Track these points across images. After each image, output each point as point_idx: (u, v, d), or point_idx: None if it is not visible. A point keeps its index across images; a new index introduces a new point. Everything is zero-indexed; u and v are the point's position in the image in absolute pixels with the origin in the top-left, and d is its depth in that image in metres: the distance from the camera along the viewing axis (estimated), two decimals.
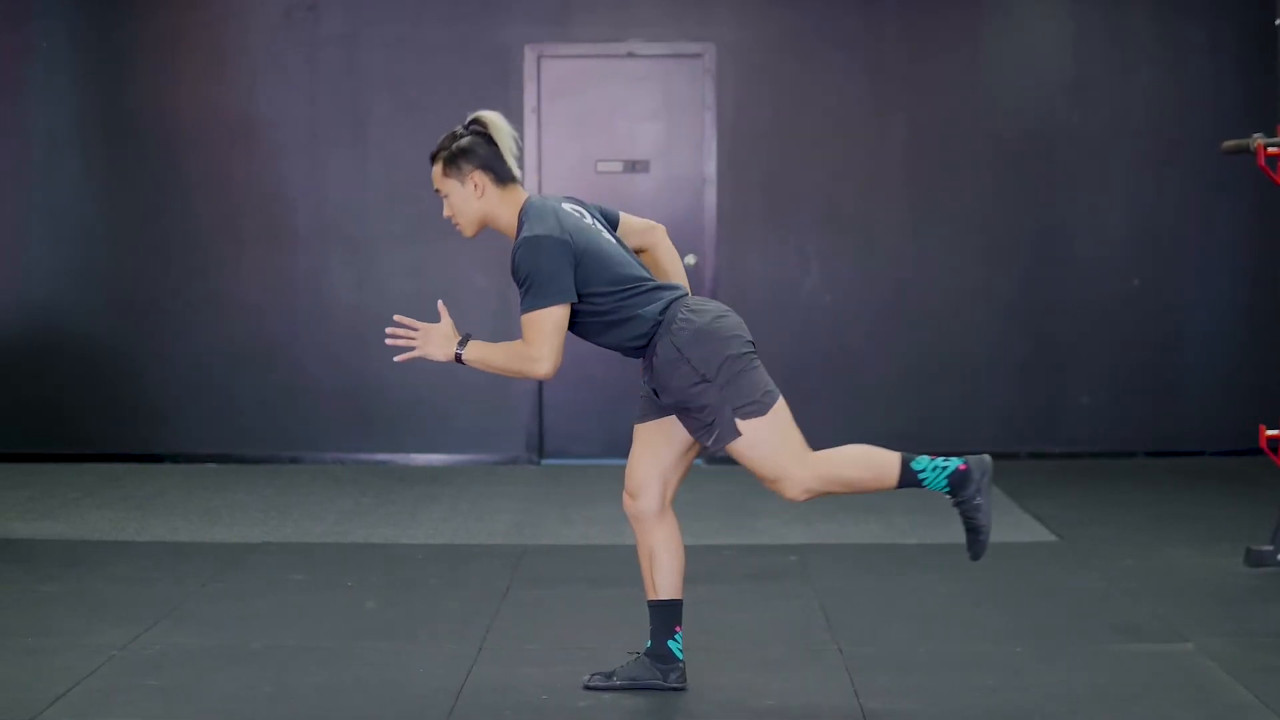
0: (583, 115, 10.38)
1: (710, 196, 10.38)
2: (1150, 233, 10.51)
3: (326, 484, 9.65)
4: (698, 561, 7.26)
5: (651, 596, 5.41)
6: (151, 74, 10.41)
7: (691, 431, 5.25)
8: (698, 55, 10.40)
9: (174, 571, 7.20)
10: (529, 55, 10.31)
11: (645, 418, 5.36)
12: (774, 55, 10.41)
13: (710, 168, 10.38)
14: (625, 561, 7.22)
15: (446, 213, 5.31)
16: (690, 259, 10.28)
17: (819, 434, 10.25)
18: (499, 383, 10.33)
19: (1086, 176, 10.45)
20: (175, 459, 10.36)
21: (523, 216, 5.22)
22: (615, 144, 10.40)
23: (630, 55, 10.38)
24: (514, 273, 5.13)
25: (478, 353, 5.15)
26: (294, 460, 10.39)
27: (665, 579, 5.38)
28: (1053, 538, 8.01)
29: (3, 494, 9.16)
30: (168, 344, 10.44)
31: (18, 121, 10.40)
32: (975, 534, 5.23)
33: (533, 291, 5.08)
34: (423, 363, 9.77)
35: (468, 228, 5.31)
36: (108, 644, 5.91)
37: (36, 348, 10.38)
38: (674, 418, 5.28)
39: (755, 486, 9.36)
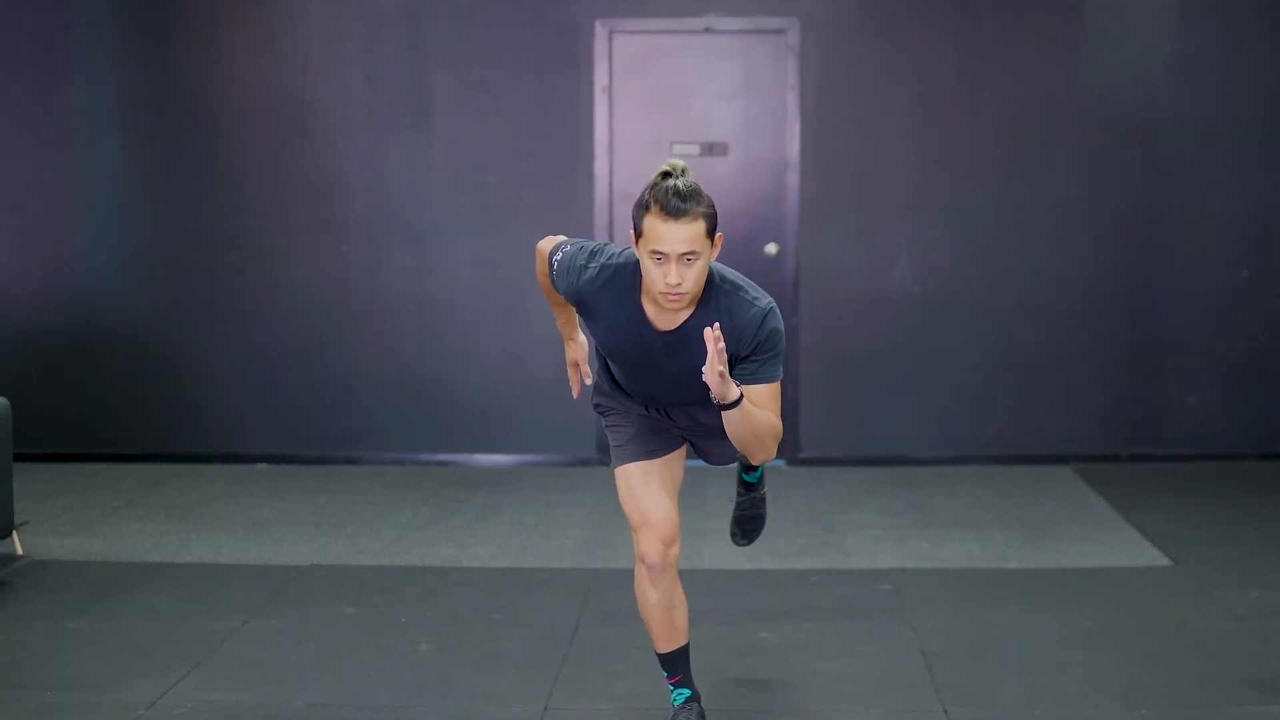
0: (657, 95, 10.04)
1: (793, 181, 10.02)
2: (1260, 221, 10.14)
3: (383, 490, 9.27)
4: (783, 592, 6.85)
5: (678, 643, 5.06)
6: (198, 50, 10.12)
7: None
8: (780, 30, 10.04)
9: (214, 603, 6.79)
10: (600, 31, 9.95)
11: (659, 450, 4.92)
12: (861, 31, 10.07)
13: (793, 151, 10.03)
14: (709, 590, 6.85)
15: (675, 280, 4.33)
16: (771, 248, 10.04)
17: (910, 433, 10.09)
18: (565, 379, 9.85)
19: (1192, 161, 10.09)
20: (224, 459, 10.04)
21: (727, 277, 4.56)
22: (691, 125, 10.07)
23: (708, 30, 10.03)
24: (772, 343, 4.48)
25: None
26: (350, 460, 10.04)
27: (685, 620, 5.08)
28: (1166, 561, 7.60)
29: (42, 501, 8.79)
30: (216, 338, 10.17)
31: (56, 102, 10.13)
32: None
33: (780, 359, 4.55)
34: (489, 357, 9.27)
35: (689, 302, 4.44)
36: (133, 700, 5.46)
37: (77, 342, 10.14)
38: (681, 450, 4.98)
39: (841, 496, 8.98)
